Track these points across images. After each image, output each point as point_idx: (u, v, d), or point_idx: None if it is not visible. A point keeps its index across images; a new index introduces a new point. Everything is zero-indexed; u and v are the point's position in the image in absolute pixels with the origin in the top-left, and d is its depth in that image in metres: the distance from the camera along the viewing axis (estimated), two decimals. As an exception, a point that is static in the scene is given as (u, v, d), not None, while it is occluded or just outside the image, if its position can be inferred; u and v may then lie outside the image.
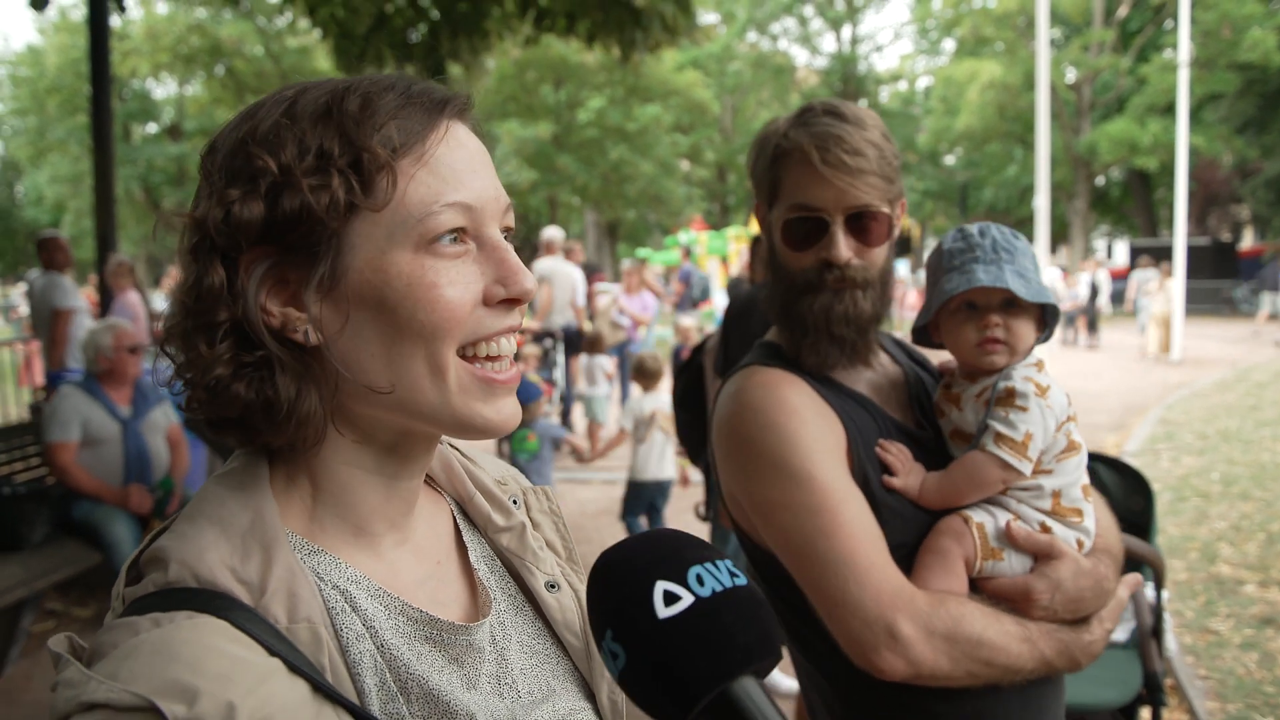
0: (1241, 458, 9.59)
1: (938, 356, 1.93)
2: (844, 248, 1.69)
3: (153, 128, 41.69)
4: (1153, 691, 3.17)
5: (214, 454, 6.51)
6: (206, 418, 0.90)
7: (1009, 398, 1.64)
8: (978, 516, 1.64)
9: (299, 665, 0.80)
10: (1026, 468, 1.62)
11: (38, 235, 8.68)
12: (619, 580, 0.79)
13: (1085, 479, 1.71)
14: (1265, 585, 5.88)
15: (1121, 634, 3.27)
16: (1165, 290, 19.42)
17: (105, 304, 8.66)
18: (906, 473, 1.69)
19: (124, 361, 5.59)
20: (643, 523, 6.67)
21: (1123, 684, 3.20)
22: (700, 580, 0.76)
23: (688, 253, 20.02)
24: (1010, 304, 1.66)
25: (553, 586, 1.09)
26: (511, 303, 0.93)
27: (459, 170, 0.91)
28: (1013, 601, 1.61)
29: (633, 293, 13.14)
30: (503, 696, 0.98)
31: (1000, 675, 1.55)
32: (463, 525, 1.09)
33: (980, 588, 1.64)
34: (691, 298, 16.35)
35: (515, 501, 1.14)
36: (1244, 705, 4.44)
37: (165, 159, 38.34)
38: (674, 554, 0.79)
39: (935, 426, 1.80)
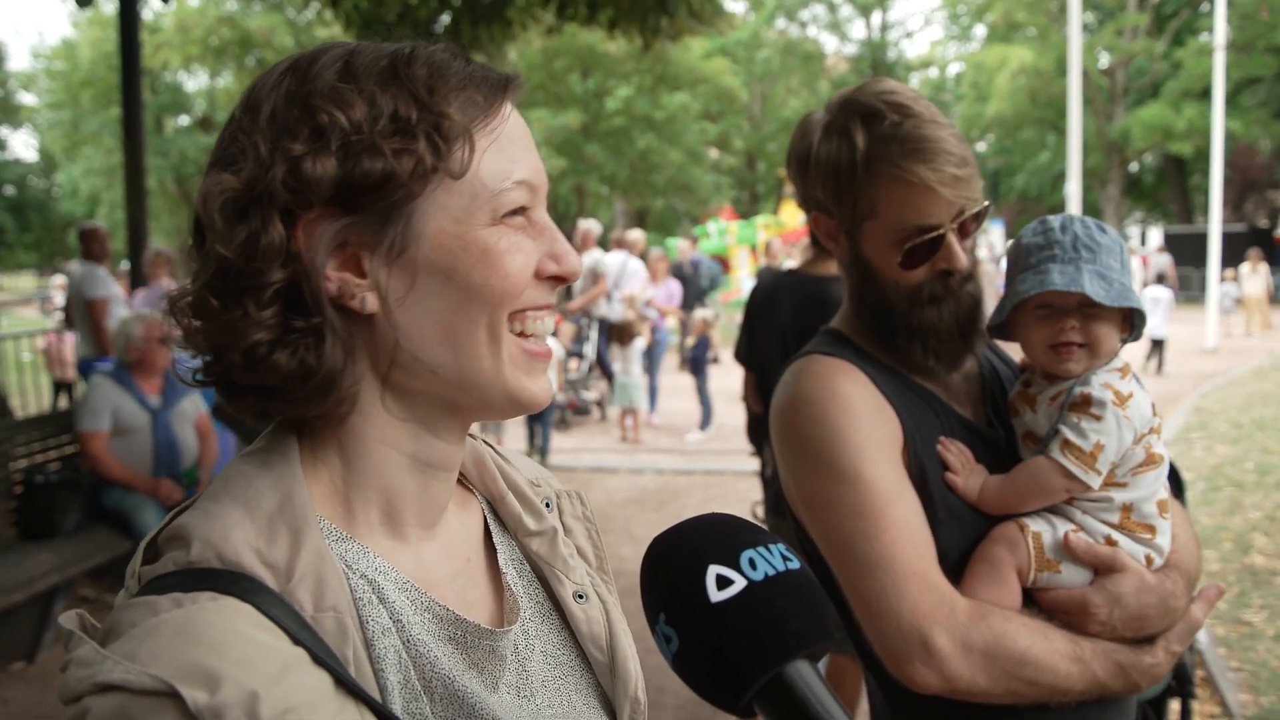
0: (1277, 447, 9.44)
1: (1018, 350, 1.82)
2: (962, 255, 1.62)
3: (184, 120, 42.01)
4: (1182, 684, 3.11)
5: (242, 442, 6.57)
6: (230, 385, 0.86)
7: (1084, 404, 1.55)
8: (1035, 525, 1.56)
9: (322, 656, 0.76)
10: (1094, 480, 1.53)
11: (80, 226, 8.82)
12: (672, 564, 0.79)
13: (1163, 494, 1.62)
14: (1300, 576, 5.80)
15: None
16: (1258, 273, 21.26)
17: (135, 290, 8.83)
18: (967, 473, 1.61)
19: (154, 352, 5.68)
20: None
21: (1151, 675, 3.15)
22: (753, 564, 0.76)
23: (695, 241, 20.01)
24: (1090, 305, 1.55)
25: (581, 597, 1.05)
26: (557, 280, 0.93)
27: (519, 149, 0.91)
28: (1068, 616, 1.53)
29: (658, 281, 13.14)
30: (522, 707, 0.95)
31: (1046, 695, 1.48)
32: (493, 525, 1.05)
33: (1035, 599, 1.57)
34: (700, 288, 16.27)
35: (548, 505, 1.10)
36: (1277, 698, 4.38)
37: (197, 150, 38.60)
38: (727, 538, 0.79)
39: (1008, 426, 1.71)
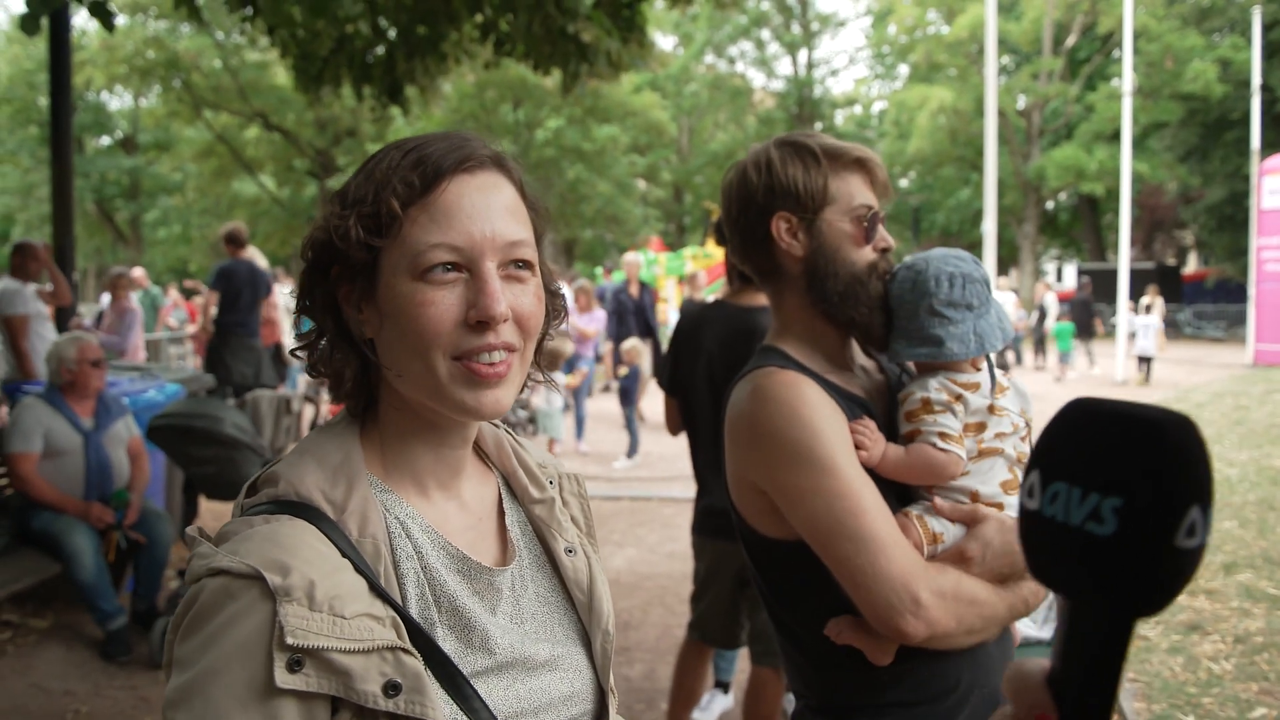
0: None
1: None
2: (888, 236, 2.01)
3: (106, 140, 41.25)
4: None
5: (173, 464, 6.56)
6: (317, 369, 1.21)
7: (926, 407, 1.86)
8: (916, 511, 1.84)
9: (362, 568, 1.06)
10: (965, 455, 1.85)
11: (16, 242, 8.44)
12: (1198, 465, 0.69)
13: (1007, 476, 1.89)
14: (1193, 594, 6.14)
15: (1046, 633, 3.47)
16: (1156, 307, 22.62)
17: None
18: (873, 444, 1.86)
19: (87, 374, 5.66)
20: None
21: (1046, 681, 3.38)
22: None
23: (609, 271, 20.07)
24: None
25: (570, 551, 1.34)
26: (482, 325, 1.12)
27: (455, 216, 1.13)
28: (954, 567, 1.79)
29: (584, 311, 13.32)
30: (514, 630, 1.21)
31: (987, 628, 1.77)
32: (504, 495, 1.35)
33: None
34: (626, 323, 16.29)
35: (551, 482, 1.40)
36: (1168, 705, 4.68)
37: (119, 171, 38.00)
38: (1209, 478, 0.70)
39: None
